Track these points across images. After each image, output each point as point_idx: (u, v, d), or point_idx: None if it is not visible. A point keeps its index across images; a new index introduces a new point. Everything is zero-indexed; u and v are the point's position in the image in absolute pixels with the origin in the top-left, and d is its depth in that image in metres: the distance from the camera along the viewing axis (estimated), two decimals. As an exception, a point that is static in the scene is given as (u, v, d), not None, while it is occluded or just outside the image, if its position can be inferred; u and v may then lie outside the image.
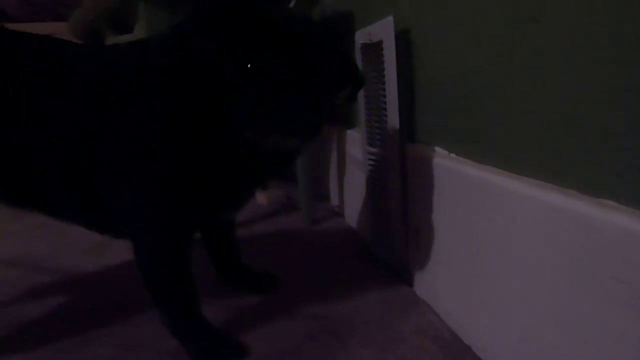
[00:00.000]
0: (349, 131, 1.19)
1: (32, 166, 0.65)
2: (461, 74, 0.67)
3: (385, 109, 0.88)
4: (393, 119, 0.84)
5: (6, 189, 0.70)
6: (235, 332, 0.74)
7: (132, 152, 0.62)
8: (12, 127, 0.64)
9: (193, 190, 0.63)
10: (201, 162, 0.61)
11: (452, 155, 0.71)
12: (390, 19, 0.81)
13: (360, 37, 0.95)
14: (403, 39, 0.82)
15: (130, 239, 0.67)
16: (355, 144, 1.12)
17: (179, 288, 0.69)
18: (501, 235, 0.56)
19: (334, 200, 1.44)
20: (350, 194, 1.23)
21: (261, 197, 1.46)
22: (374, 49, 0.89)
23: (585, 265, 0.43)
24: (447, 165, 0.69)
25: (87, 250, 1.15)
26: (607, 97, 0.42)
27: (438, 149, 0.75)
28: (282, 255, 1.07)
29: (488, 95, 0.61)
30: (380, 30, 0.85)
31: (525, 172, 0.54)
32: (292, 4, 1.02)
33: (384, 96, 0.87)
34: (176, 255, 0.68)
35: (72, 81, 0.64)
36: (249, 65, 0.57)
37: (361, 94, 1.01)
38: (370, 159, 0.99)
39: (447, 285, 0.72)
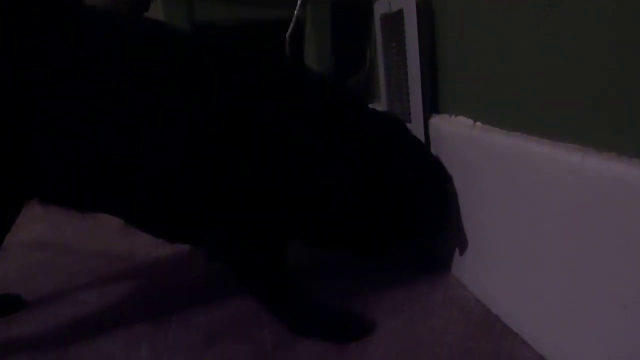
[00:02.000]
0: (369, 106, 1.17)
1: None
2: (485, 41, 0.65)
3: (406, 81, 0.86)
4: (415, 91, 0.83)
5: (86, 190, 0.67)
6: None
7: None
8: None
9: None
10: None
11: (478, 123, 0.70)
12: (410, -14, 0.79)
13: (380, 7, 0.93)
14: (424, 7, 0.80)
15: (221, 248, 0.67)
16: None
17: (285, 275, 0.69)
18: (531, 202, 0.55)
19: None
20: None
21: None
22: (394, 19, 0.87)
23: (629, 233, 0.42)
24: (473, 135, 0.68)
25: (114, 233, 1.17)
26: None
27: (462, 119, 0.74)
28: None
29: (516, 63, 0.59)
30: None
31: (559, 137, 0.53)
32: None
33: (405, 67, 0.86)
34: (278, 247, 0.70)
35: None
36: None
37: (381, 66, 0.99)
38: (391, 133, 0.98)
39: (473, 256, 0.72)
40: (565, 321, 0.52)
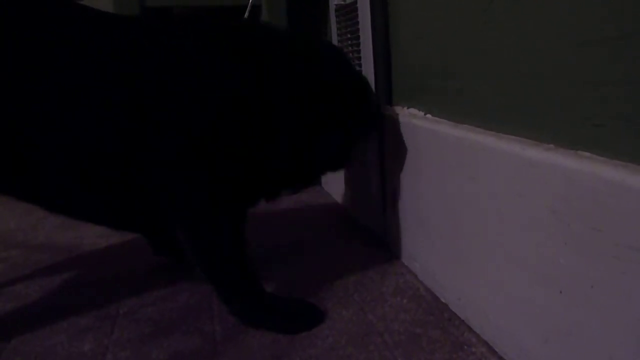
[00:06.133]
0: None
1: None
2: (438, 34, 0.66)
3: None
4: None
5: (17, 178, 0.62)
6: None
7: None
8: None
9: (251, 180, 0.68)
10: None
11: (428, 116, 0.71)
12: (364, -22, 0.79)
13: (335, -2, 0.93)
14: (378, -1, 0.80)
15: (181, 226, 0.65)
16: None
17: (244, 263, 0.66)
18: (479, 192, 0.57)
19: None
20: (327, 162, 1.22)
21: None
22: (349, 11, 0.87)
23: (563, 217, 0.44)
24: (424, 126, 0.68)
25: (60, 224, 1.12)
26: (585, 48, 0.42)
27: (414, 111, 0.75)
28: (261, 225, 1.06)
29: (465, 54, 0.60)
30: (355, -9, 0.83)
31: (503, 129, 0.54)
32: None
33: (359, 59, 0.86)
34: (239, 232, 0.67)
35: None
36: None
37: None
38: (346, 124, 0.98)
39: (424, 245, 0.73)
40: (507, 307, 0.54)
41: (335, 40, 0.98)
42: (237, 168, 0.65)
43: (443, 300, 0.68)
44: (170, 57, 0.61)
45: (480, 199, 0.56)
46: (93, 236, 1.03)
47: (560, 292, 0.45)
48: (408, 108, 0.77)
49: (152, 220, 0.72)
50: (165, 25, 0.65)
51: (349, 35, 0.90)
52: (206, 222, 0.64)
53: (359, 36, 0.84)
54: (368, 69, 0.82)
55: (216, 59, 0.63)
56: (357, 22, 0.83)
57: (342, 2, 0.88)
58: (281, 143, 0.67)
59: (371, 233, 0.93)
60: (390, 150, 0.81)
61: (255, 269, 0.68)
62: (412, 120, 0.72)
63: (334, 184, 1.18)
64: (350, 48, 0.91)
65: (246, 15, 1.00)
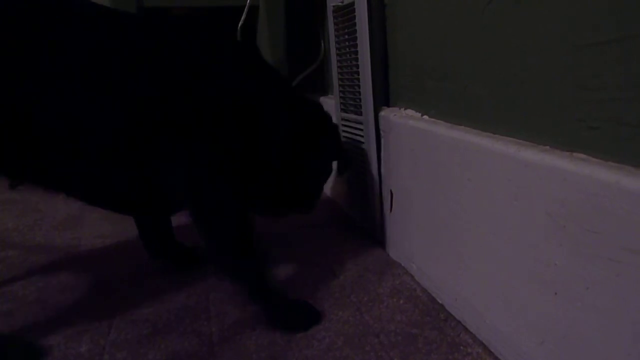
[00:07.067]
0: (322, 98, 1.17)
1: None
2: (435, 36, 0.66)
3: (358, 74, 0.87)
4: (366, 84, 0.83)
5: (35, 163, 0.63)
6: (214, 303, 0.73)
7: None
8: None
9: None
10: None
11: (425, 117, 0.71)
12: (361, -21, 0.79)
13: (332, -1, 0.93)
14: (375, 0, 0.80)
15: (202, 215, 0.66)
16: (329, 110, 1.10)
17: (255, 252, 0.68)
18: (475, 193, 0.57)
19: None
20: (325, 162, 1.22)
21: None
22: (346, 12, 0.87)
23: (558, 218, 0.44)
24: (421, 127, 0.69)
25: (57, 225, 1.12)
26: (581, 50, 0.42)
27: (411, 112, 0.75)
28: (257, 225, 1.06)
29: (462, 56, 0.60)
30: (352, -8, 0.83)
31: (499, 131, 0.55)
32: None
33: (357, 60, 0.86)
34: (247, 221, 0.69)
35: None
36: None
37: (333, 60, 0.99)
38: (344, 125, 0.98)
39: (421, 246, 0.73)
40: (503, 308, 0.54)
41: (332, 41, 0.97)
42: (239, 164, 0.68)
43: (439, 301, 0.68)
44: (190, 63, 0.65)
45: (476, 200, 0.56)
46: (90, 237, 1.03)
47: (556, 293, 0.45)
48: (405, 109, 0.77)
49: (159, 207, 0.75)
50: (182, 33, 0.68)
51: (346, 37, 0.90)
52: (217, 206, 0.66)
53: (356, 37, 0.84)
54: (365, 70, 0.82)
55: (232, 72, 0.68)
56: (355, 23, 0.83)
57: (340, 3, 0.88)
58: (275, 154, 0.72)
59: (368, 234, 0.93)
60: (387, 152, 0.81)
61: (267, 265, 0.69)
62: (409, 121, 0.72)
63: (332, 185, 1.18)
64: (347, 49, 0.91)
65: (243, 16, 1.00)
